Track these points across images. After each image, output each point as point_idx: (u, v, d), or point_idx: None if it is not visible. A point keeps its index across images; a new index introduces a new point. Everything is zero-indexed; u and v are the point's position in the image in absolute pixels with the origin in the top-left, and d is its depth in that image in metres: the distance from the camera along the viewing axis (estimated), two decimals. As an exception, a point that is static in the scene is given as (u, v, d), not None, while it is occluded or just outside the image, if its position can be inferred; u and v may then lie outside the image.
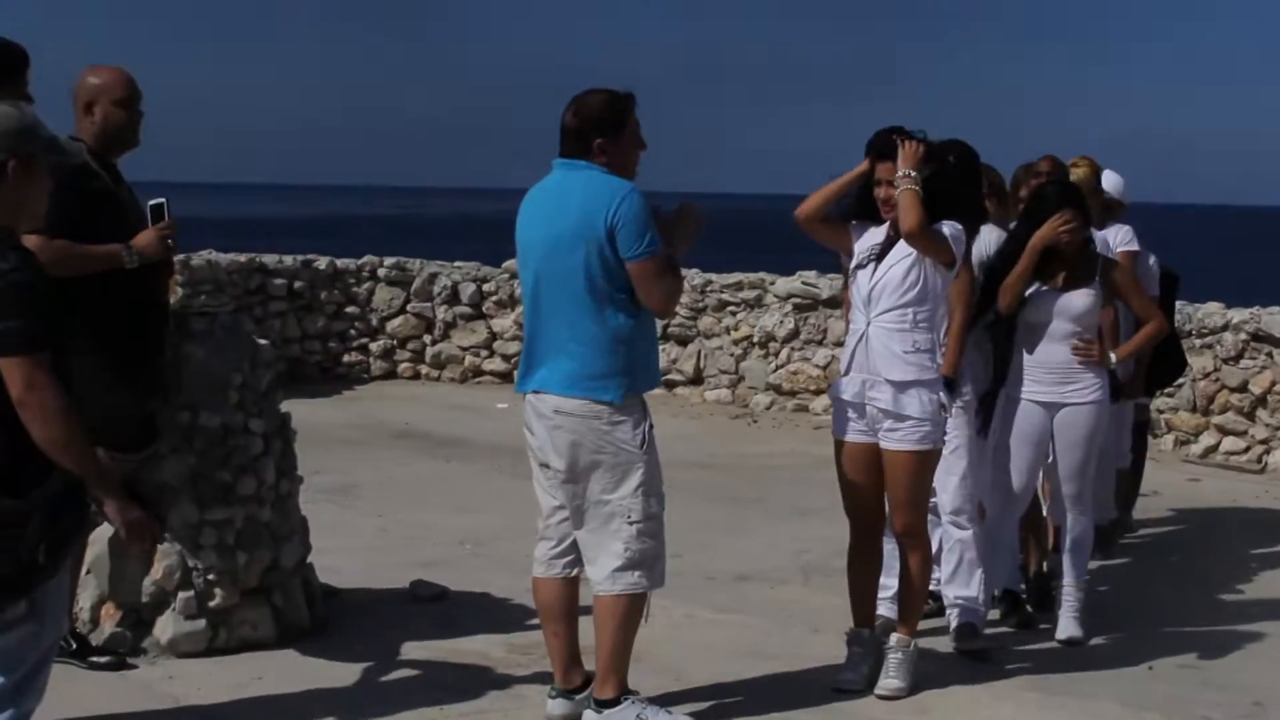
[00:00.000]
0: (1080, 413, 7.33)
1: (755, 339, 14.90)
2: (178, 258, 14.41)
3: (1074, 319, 7.29)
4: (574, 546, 6.02)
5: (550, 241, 5.82)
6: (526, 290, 5.99)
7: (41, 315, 4.51)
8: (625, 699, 5.93)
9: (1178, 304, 12.11)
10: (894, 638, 6.60)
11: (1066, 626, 7.41)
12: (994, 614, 7.50)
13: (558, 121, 5.90)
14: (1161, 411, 12.78)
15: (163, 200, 6.38)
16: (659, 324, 6.41)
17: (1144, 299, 7.67)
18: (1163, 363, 9.21)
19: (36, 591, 4.57)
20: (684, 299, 14.91)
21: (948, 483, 7.18)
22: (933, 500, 7.41)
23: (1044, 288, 7.29)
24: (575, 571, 6.08)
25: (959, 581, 7.21)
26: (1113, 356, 7.42)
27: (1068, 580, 7.48)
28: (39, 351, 4.46)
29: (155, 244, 6.29)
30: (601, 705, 5.93)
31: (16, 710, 4.67)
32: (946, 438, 6.88)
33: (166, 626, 6.65)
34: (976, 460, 7.26)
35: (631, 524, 5.83)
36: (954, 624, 7.21)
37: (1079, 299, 7.30)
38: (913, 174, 6.34)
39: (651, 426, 5.91)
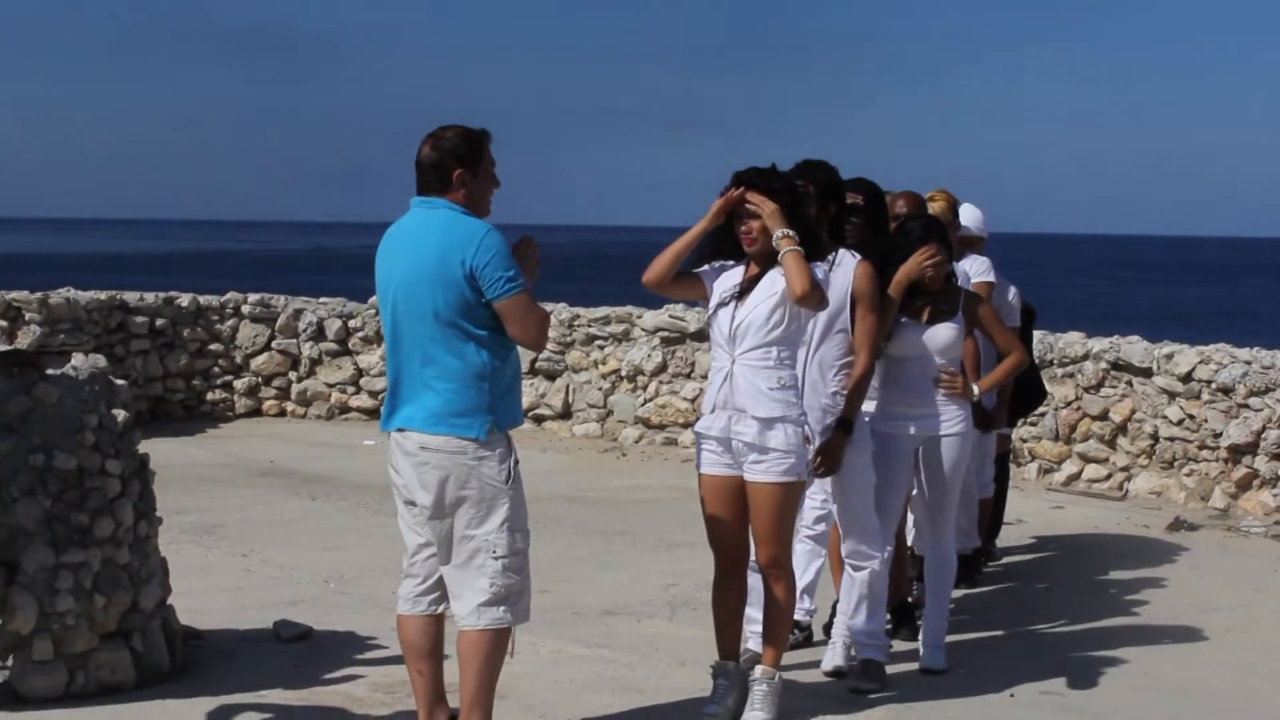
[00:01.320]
0: (944, 444, 7.42)
1: (623, 373, 14.96)
2: (35, 295, 14.28)
3: (938, 352, 7.37)
4: (440, 584, 6.02)
5: (408, 281, 5.85)
6: (387, 329, 6.01)
7: None
8: None
9: (1039, 334, 12.36)
10: (759, 670, 6.63)
11: (930, 655, 7.50)
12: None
13: (413, 156, 5.94)
14: (1025, 440, 13.00)
15: None
16: (525, 359, 6.43)
17: (1005, 332, 7.78)
18: (1023, 393, 9.39)
19: None
20: (552, 333, 14.95)
21: (846, 523, 7.25)
22: (820, 529, 7.52)
23: (907, 321, 7.38)
24: (441, 609, 6.08)
25: (861, 616, 7.26)
26: (975, 388, 7.53)
27: (931, 609, 7.57)
28: None
29: None
30: None
31: None
32: (848, 478, 7.06)
33: (22, 672, 6.55)
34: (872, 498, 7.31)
35: (497, 559, 5.84)
36: (858, 657, 7.28)
37: (943, 332, 7.38)
38: (791, 234, 6.40)
39: (517, 462, 5.94)
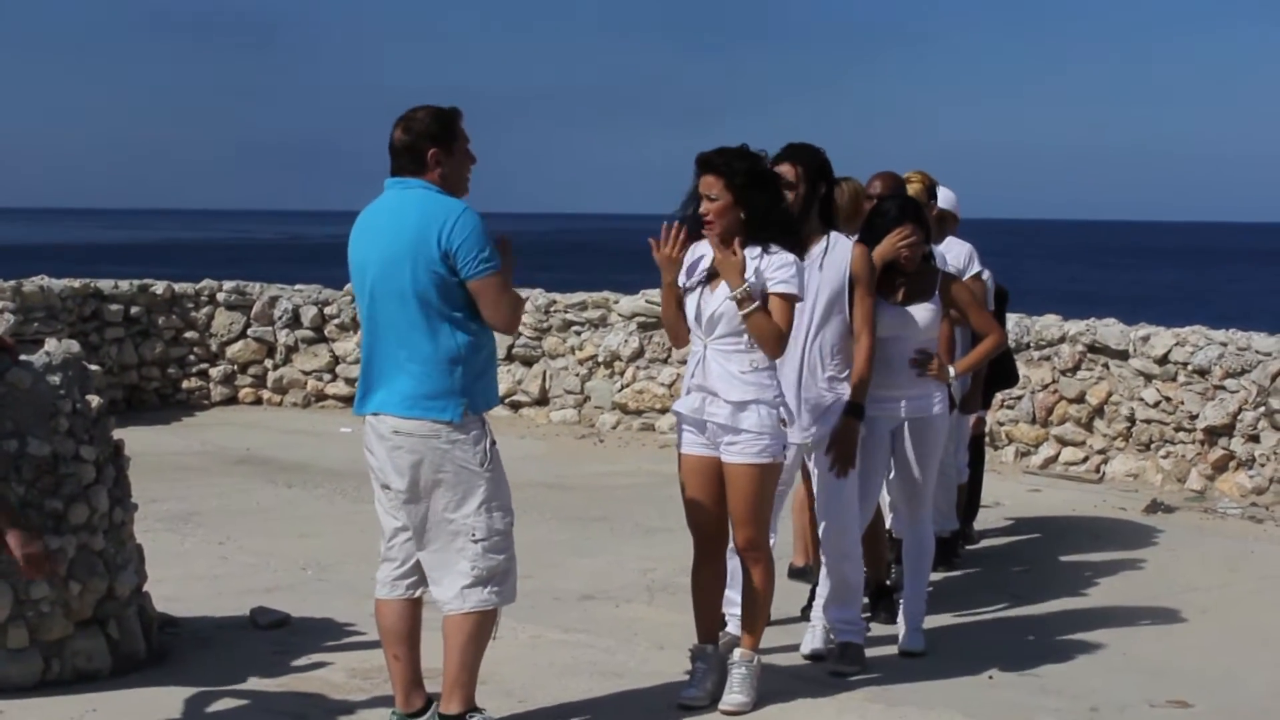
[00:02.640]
0: (922, 425, 7.41)
1: (600, 358, 14.94)
2: (9, 283, 14.20)
3: (915, 333, 7.35)
4: (417, 567, 6.01)
5: (384, 261, 5.84)
6: (363, 311, 6.00)
7: None
8: (471, 716, 5.94)
9: (1014, 317, 12.36)
10: (737, 653, 6.64)
11: (909, 638, 7.51)
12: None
13: (384, 143, 5.94)
14: (1002, 424, 13.03)
15: None
16: (501, 344, 6.41)
17: (983, 314, 7.76)
18: (995, 375, 9.36)
19: None
20: (528, 319, 14.94)
21: (824, 509, 7.22)
22: None
23: (884, 302, 7.34)
24: (419, 593, 6.07)
25: (839, 603, 7.26)
26: (952, 370, 7.53)
27: (909, 592, 7.58)
28: None
29: None
30: None
31: None
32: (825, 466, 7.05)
33: (-3, 660, 6.52)
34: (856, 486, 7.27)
35: (476, 542, 5.86)
36: (837, 643, 7.26)
37: (920, 313, 7.36)
38: (746, 290, 6.35)
39: (494, 444, 5.94)
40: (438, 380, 5.80)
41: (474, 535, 5.86)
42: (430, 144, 5.87)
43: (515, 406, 15.11)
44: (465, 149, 5.98)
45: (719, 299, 6.44)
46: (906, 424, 7.40)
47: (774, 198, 6.60)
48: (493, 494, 5.90)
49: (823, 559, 7.32)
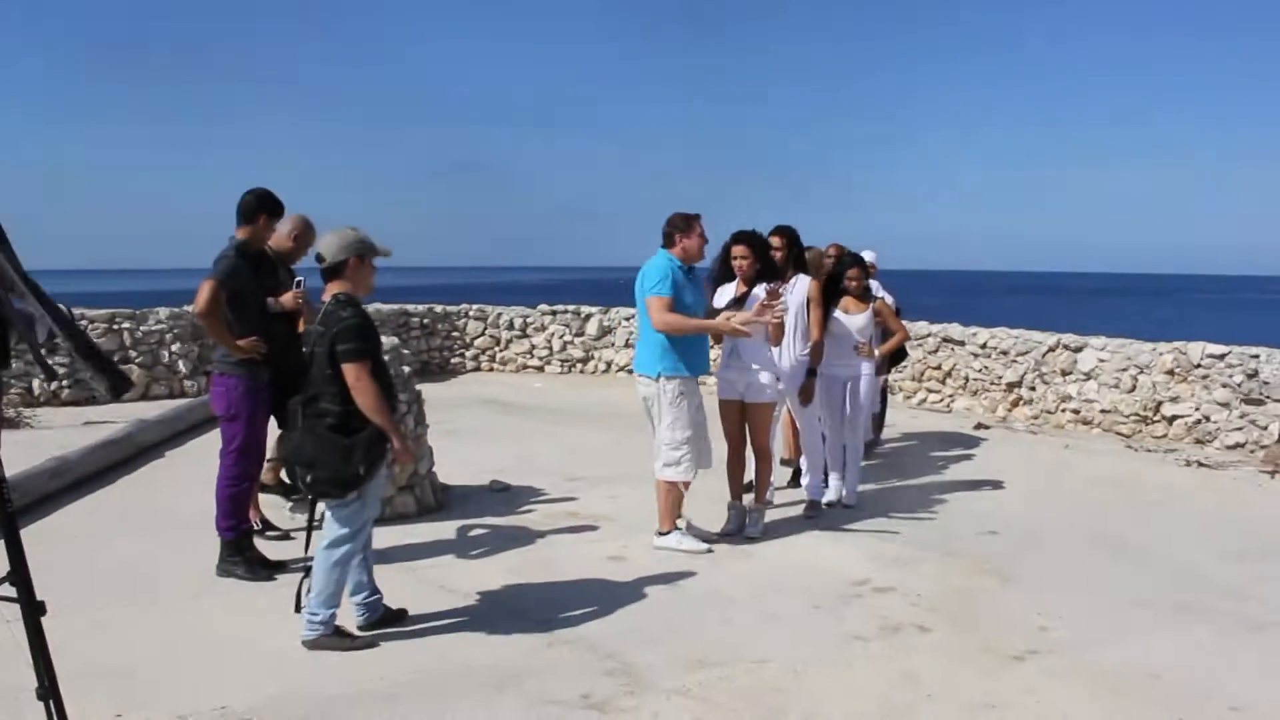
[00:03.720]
0: (862, 382, 7.31)
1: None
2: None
3: (858, 330, 7.25)
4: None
5: (638, 290, 6.11)
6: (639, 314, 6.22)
7: (367, 341, 4.52)
8: (671, 531, 6.17)
9: (903, 321, 12.06)
10: (753, 504, 6.63)
11: (849, 498, 7.43)
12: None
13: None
14: (896, 380, 12.82)
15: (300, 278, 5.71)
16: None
17: (895, 320, 7.65)
18: (895, 355, 9.20)
19: (363, 487, 4.60)
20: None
21: (803, 430, 7.16)
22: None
23: (839, 312, 7.26)
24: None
25: (809, 474, 7.21)
26: (877, 353, 7.41)
27: (850, 471, 7.45)
28: (365, 360, 4.51)
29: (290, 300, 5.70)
30: (661, 534, 6.19)
31: (352, 546, 4.68)
32: (806, 412, 7.00)
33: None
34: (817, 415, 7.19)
35: (666, 446, 6.06)
36: (808, 499, 7.21)
37: (860, 319, 7.27)
38: (779, 328, 6.23)
39: (681, 393, 6.04)
40: (652, 354, 6.04)
41: (665, 441, 6.03)
42: (675, 232, 6.05)
43: (630, 371, 15.06)
44: (699, 234, 6.07)
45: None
46: (851, 381, 7.29)
47: (772, 259, 6.58)
48: (676, 418, 6.06)
49: (802, 450, 7.26)
